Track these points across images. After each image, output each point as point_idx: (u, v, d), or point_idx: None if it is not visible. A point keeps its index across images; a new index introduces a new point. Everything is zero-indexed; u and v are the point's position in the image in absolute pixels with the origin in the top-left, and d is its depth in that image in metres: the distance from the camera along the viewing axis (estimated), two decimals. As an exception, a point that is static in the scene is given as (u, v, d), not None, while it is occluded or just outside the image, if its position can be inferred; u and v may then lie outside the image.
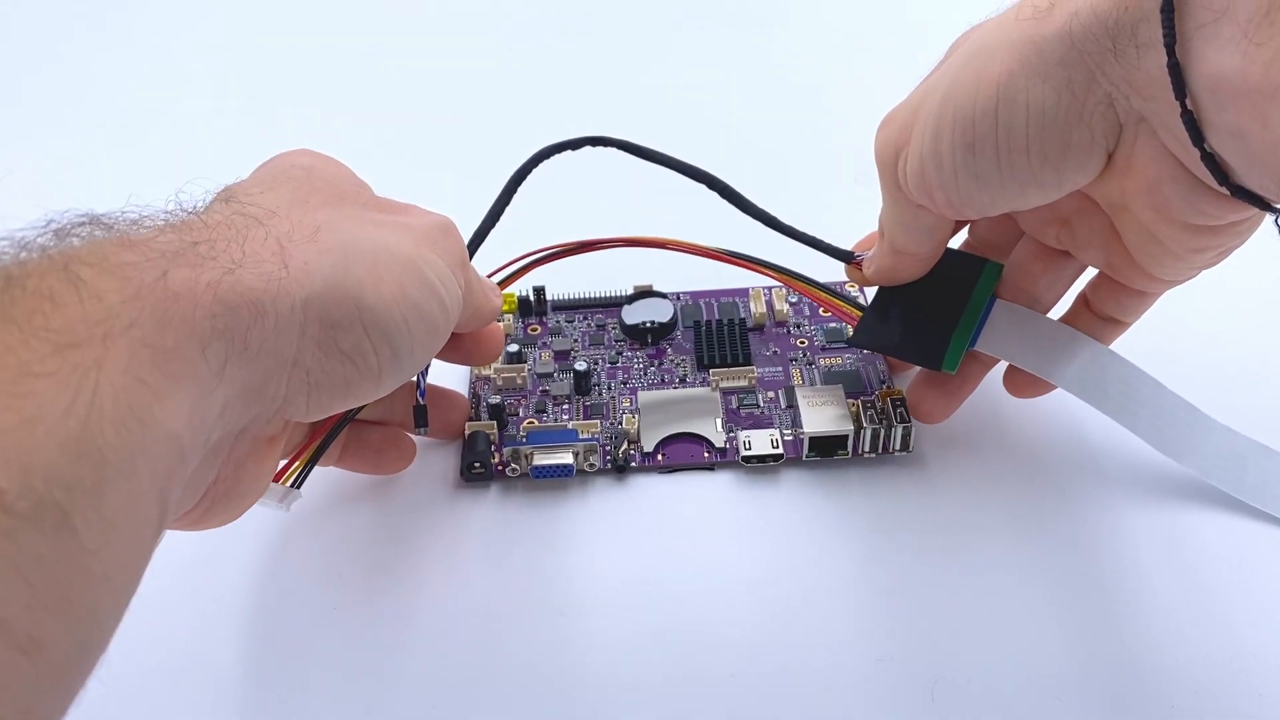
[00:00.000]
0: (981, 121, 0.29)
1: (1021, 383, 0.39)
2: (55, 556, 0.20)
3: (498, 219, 0.41)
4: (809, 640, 0.36)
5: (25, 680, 0.19)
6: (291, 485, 0.35)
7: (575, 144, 0.42)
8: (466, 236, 0.38)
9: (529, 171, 0.41)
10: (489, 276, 0.41)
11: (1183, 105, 0.26)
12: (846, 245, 0.42)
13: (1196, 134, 0.26)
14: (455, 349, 0.39)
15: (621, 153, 0.42)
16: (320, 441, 0.35)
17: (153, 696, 0.35)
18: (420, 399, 0.39)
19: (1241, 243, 0.32)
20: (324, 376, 0.28)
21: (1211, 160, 0.27)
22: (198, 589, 0.38)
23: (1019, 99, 0.28)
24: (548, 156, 0.42)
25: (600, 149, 0.42)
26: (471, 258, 0.38)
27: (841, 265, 0.42)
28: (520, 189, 0.42)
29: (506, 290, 0.43)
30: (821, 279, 0.43)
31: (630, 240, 0.43)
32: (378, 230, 0.30)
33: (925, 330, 0.39)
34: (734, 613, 0.37)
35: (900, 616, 0.36)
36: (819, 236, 0.41)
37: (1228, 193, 0.27)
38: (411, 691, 0.35)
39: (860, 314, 0.41)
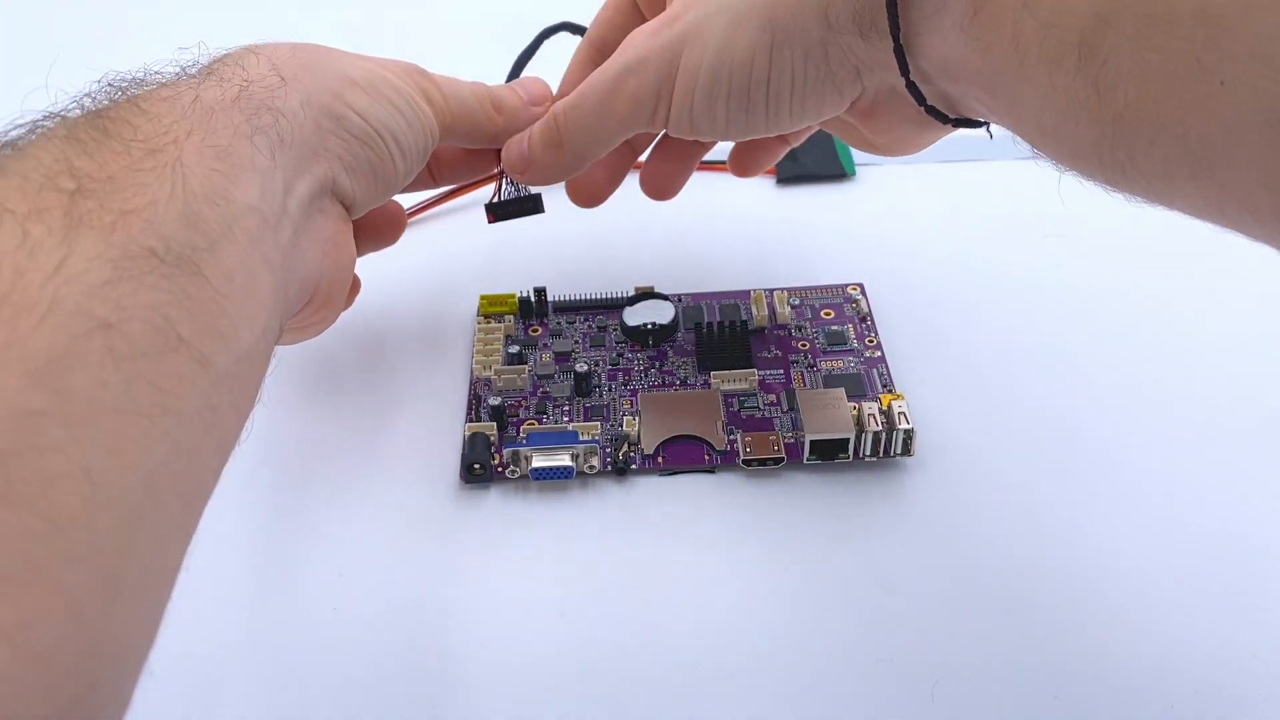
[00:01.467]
0: (755, 90, 0.35)
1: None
2: (200, 296, 0.26)
3: (524, 66, 0.46)
4: (809, 640, 0.36)
5: (204, 385, 0.26)
6: None
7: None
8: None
9: (553, 34, 0.47)
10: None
11: (907, 79, 0.33)
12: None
13: (920, 98, 0.33)
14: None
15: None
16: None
17: (149, 697, 0.35)
18: (497, 197, 0.44)
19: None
20: (353, 160, 0.36)
21: (933, 110, 0.34)
22: (199, 588, 0.38)
23: (786, 72, 0.34)
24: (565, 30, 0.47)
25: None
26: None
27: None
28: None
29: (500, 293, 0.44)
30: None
31: None
32: (334, 53, 0.37)
33: (819, 157, 0.55)
34: (734, 614, 0.37)
35: (900, 616, 0.36)
36: None
37: (950, 124, 0.35)
38: (412, 692, 0.35)
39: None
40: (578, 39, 0.45)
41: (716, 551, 0.39)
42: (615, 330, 0.47)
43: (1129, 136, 0.26)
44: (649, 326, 0.46)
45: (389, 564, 0.38)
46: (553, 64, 0.45)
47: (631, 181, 0.45)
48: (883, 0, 0.31)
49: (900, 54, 0.32)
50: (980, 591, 0.37)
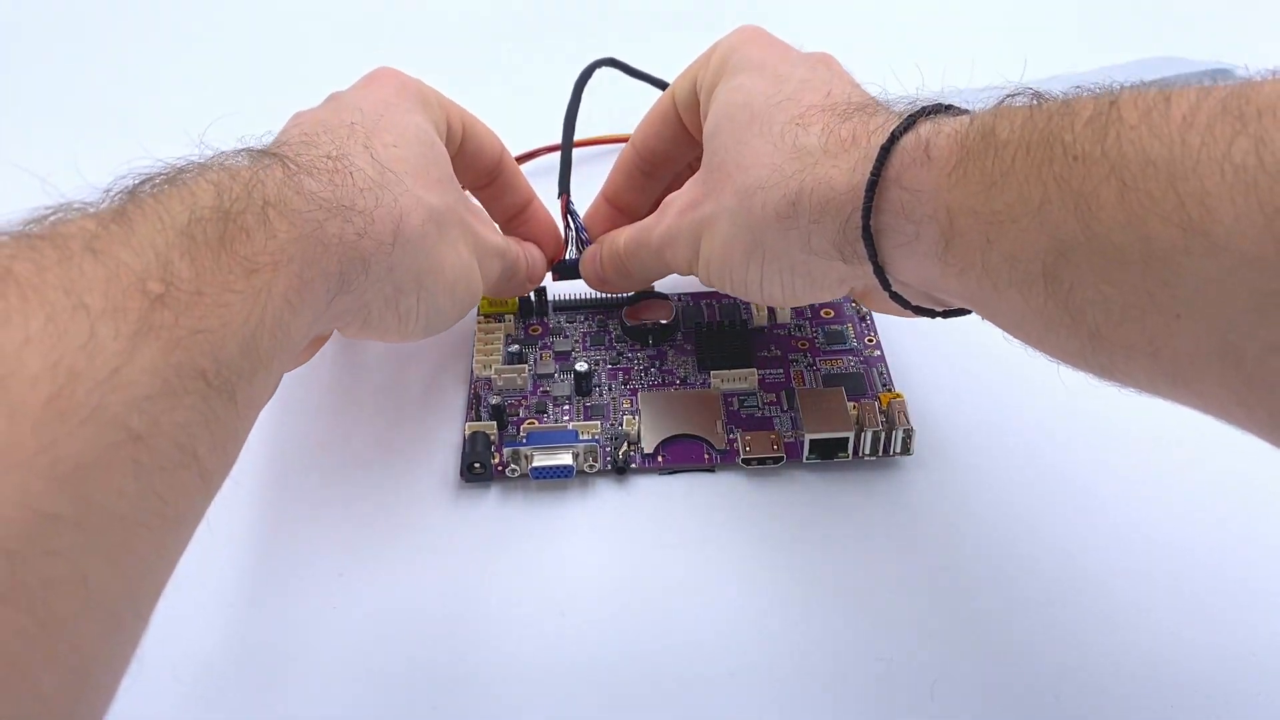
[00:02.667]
0: (750, 286, 0.38)
1: None
2: (225, 418, 0.28)
3: (575, 116, 0.49)
4: (809, 640, 0.36)
5: (200, 497, 0.27)
6: None
7: (630, 70, 0.53)
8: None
9: (590, 75, 0.51)
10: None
11: (889, 291, 0.35)
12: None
13: (904, 303, 0.35)
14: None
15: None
16: None
17: (150, 696, 0.35)
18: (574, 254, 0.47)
19: None
20: (377, 319, 0.37)
21: (920, 309, 0.36)
22: (199, 588, 0.38)
23: (775, 279, 0.38)
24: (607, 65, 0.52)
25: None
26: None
27: None
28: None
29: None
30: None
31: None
32: (460, 228, 0.39)
33: None
34: (734, 613, 0.37)
35: (900, 616, 0.36)
36: None
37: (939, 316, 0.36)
38: (412, 691, 0.35)
39: None
40: (615, 71, 0.52)
41: (716, 550, 0.39)
42: (615, 329, 0.47)
43: (1107, 350, 0.27)
44: (649, 325, 0.46)
45: (389, 564, 0.38)
46: (598, 99, 0.50)
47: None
48: (859, 232, 0.33)
49: (880, 273, 0.34)
50: (979, 591, 0.37)
